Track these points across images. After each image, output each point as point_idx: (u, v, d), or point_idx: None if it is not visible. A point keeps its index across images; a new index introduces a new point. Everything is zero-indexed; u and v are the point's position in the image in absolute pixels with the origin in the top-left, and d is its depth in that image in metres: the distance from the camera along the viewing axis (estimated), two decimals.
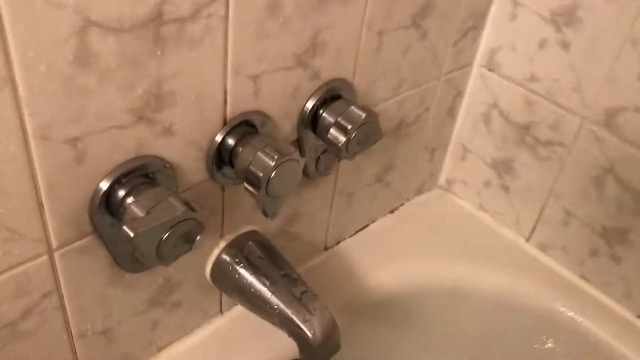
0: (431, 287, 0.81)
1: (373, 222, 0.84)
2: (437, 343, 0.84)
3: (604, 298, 0.79)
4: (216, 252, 0.62)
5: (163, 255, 0.47)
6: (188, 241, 0.49)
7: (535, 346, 0.81)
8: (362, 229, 0.83)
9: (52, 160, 0.43)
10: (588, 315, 0.77)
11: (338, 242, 0.80)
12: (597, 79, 0.69)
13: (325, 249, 0.79)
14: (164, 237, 0.46)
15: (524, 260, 0.83)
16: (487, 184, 0.86)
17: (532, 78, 0.74)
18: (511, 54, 0.75)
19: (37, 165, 0.42)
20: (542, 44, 0.72)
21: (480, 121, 0.82)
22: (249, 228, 0.64)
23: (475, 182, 0.87)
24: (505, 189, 0.84)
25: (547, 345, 0.80)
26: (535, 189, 0.80)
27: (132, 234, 0.44)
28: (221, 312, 0.69)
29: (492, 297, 0.81)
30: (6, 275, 0.45)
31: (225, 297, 0.68)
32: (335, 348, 0.60)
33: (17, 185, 0.42)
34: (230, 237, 0.63)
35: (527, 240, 0.84)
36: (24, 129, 0.40)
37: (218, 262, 0.63)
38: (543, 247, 0.83)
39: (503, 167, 0.83)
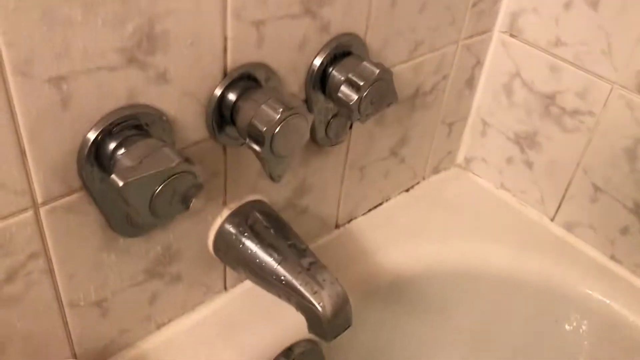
0: (448, 268, 0.76)
1: (387, 200, 0.79)
2: (452, 325, 0.79)
3: (635, 280, 0.73)
4: (219, 220, 0.59)
5: (157, 211, 0.43)
6: (185, 200, 0.45)
7: (561, 329, 0.76)
8: (375, 207, 0.78)
9: (34, 102, 0.39)
10: (618, 298, 0.72)
11: (350, 220, 0.76)
12: (628, 41, 0.64)
13: (337, 227, 0.75)
14: (157, 190, 0.43)
15: (549, 240, 0.78)
16: (509, 160, 0.81)
17: (558, 42, 0.70)
18: (534, 17, 0.70)
19: (17, 106, 0.38)
20: (568, 5, 0.67)
21: (501, 93, 0.78)
22: (254, 197, 0.61)
23: (496, 159, 0.82)
24: (529, 165, 0.79)
25: (574, 329, 0.74)
26: (561, 164, 0.75)
27: (120, 183, 0.40)
28: (225, 289, 0.65)
29: (513, 279, 0.76)
30: None
31: (229, 273, 0.64)
32: (346, 323, 0.56)
33: None
34: (233, 205, 0.59)
35: (552, 219, 0.79)
36: (1, 61, 0.36)
37: (221, 232, 0.59)
38: (569, 226, 0.78)
39: (526, 142, 0.78)
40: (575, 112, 0.71)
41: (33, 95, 0.39)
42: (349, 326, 0.57)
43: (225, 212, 0.59)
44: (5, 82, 0.37)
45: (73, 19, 0.38)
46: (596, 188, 0.73)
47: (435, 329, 0.80)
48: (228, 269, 0.64)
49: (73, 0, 0.37)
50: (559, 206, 0.78)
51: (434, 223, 0.79)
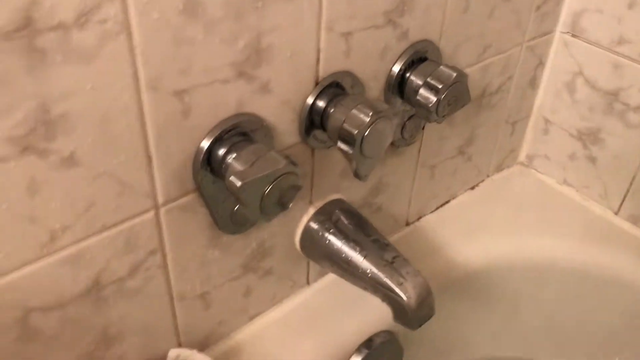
0: (516, 262, 0.79)
1: (454, 198, 0.82)
2: (521, 318, 0.82)
3: None
4: (305, 219, 0.63)
5: (265, 209, 0.48)
6: (285, 199, 0.50)
7: (627, 320, 0.77)
8: (442, 204, 0.81)
9: (161, 113, 0.44)
10: None
11: (419, 218, 0.79)
12: None
13: (407, 224, 0.78)
14: (267, 190, 0.47)
15: (614, 233, 0.80)
16: (571, 156, 0.83)
17: (621, 41, 0.72)
18: (597, 17, 0.73)
19: (147, 117, 0.43)
20: (632, 4, 0.69)
21: (563, 91, 0.80)
22: (336, 196, 0.65)
23: (558, 155, 0.85)
24: (592, 160, 0.81)
25: None
26: (625, 158, 0.77)
27: (239, 184, 0.45)
28: (308, 283, 0.69)
29: (579, 272, 0.78)
30: (116, 229, 0.46)
31: (312, 268, 0.68)
32: (430, 312, 0.59)
33: (129, 136, 0.43)
34: (318, 204, 0.63)
35: (616, 213, 0.81)
36: (137, 78, 0.41)
37: (307, 229, 0.63)
38: (634, 220, 0.79)
39: (589, 138, 0.80)
40: (639, 107, 0.73)
41: (160, 107, 0.43)
42: (432, 315, 0.60)
43: (311, 211, 0.63)
44: (139, 96, 0.42)
45: (195, 38, 0.42)
46: None
47: (505, 322, 0.82)
48: (311, 264, 0.68)
49: (197, 22, 0.42)
50: (624, 200, 0.80)
51: (500, 219, 0.81)
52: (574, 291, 0.79)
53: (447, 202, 0.82)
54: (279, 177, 0.47)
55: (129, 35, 0.39)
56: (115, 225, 0.46)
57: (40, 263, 0.43)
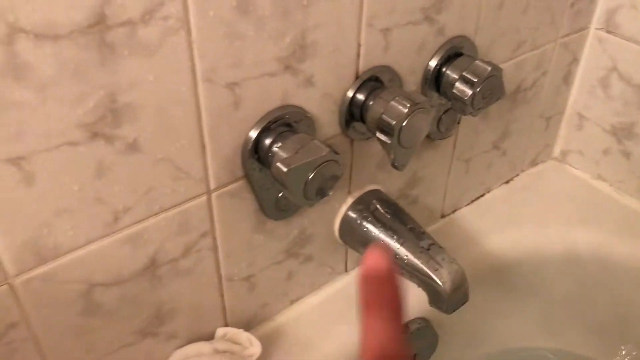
0: (551, 254, 0.80)
1: (488, 192, 0.84)
2: (554, 311, 0.83)
3: None
4: (344, 208, 0.66)
5: (308, 194, 0.51)
6: (326, 186, 0.53)
7: None
8: (477, 198, 0.83)
9: (214, 104, 0.47)
10: None
11: (454, 211, 0.81)
12: None
13: (442, 216, 0.80)
14: (310, 177, 0.50)
15: None
16: (606, 151, 0.84)
17: None
18: (632, 13, 0.74)
19: (202, 107, 0.47)
20: None
21: (597, 87, 0.81)
22: (373, 187, 0.67)
23: (592, 150, 0.86)
24: (627, 155, 0.82)
25: None
26: None
27: (285, 169, 0.48)
28: (346, 270, 0.72)
29: (614, 264, 0.79)
30: (172, 211, 0.50)
31: (350, 256, 0.71)
32: (464, 298, 0.62)
33: (186, 125, 0.47)
34: (356, 194, 0.66)
35: None
36: (194, 70, 0.45)
37: (346, 218, 0.66)
38: None
39: (624, 133, 0.81)
40: None
41: (214, 98, 0.47)
42: (466, 301, 0.62)
43: (350, 200, 0.66)
44: (196, 87, 0.46)
45: (246, 34, 0.46)
46: None
47: (537, 314, 0.84)
48: (349, 252, 0.71)
49: (248, 19, 0.45)
50: None
51: (534, 212, 0.83)
52: (608, 285, 0.80)
53: (481, 195, 0.84)
54: (321, 164, 0.50)
55: (188, 31, 0.43)
56: (171, 208, 0.50)
57: (104, 241, 0.47)
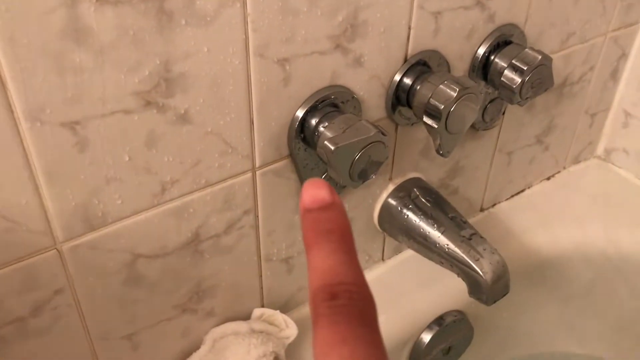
0: (593, 253, 0.79)
1: (529, 187, 0.83)
2: (595, 310, 0.81)
3: None
4: (385, 194, 0.65)
5: (353, 175, 0.51)
6: (371, 170, 0.52)
7: None
8: (518, 193, 0.82)
9: (265, 79, 0.47)
10: None
11: (494, 205, 0.80)
12: None
13: (482, 210, 0.79)
14: (357, 157, 0.50)
15: None
16: None
17: None
18: None
19: (253, 82, 0.47)
20: None
21: None
22: (415, 174, 0.67)
23: (638, 149, 0.84)
24: None
25: None
26: None
27: (332, 147, 0.48)
28: (383, 259, 0.72)
29: None
30: (218, 186, 0.50)
31: (387, 245, 0.71)
32: (505, 290, 0.61)
33: (236, 99, 0.47)
34: (398, 181, 0.65)
35: None
36: (247, 44, 0.45)
37: (386, 205, 0.65)
38: None
39: None
40: None
41: (265, 74, 0.47)
42: (507, 293, 0.61)
43: (391, 187, 0.65)
44: (248, 62, 0.46)
45: (300, 10, 0.46)
46: None
47: (576, 316, 0.82)
48: (387, 240, 0.70)
49: None
50: None
51: (575, 210, 0.81)
52: None
53: (522, 190, 0.82)
54: (369, 144, 0.50)
55: (244, 3, 0.43)
56: (217, 183, 0.50)
57: (151, 212, 0.48)
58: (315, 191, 0.24)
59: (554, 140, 0.79)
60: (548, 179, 0.85)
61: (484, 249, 0.61)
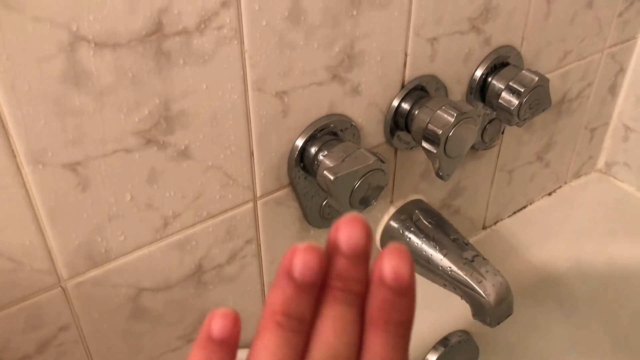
0: (596, 269, 0.79)
1: (531, 203, 0.83)
2: (597, 328, 0.81)
3: None
4: (386, 217, 0.66)
5: (353, 203, 0.51)
6: (371, 196, 0.53)
7: None
8: (520, 209, 0.82)
9: (264, 112, 0.48)
10: None
11: (496, 222, 0.80)
12: None
13: (484, 227, 0.79)
14: (356, 185, 0.50)
15: None
16: None
17: None
18: None
19: (252, 115, 0.47)
20: None
21: None
22: (415, 197, 0.67)
23: (639, 163, 0.84)
24: None
25: None
26: None
27: (332, 177, 0.48)
28: None
29: None
30: (220, 218, 0.51)
31: None
32: (509, 311, 0.61)
33: (236, 132, 0.47)
34: (399, 203, 0.66)
35: None
36: (245, 79, 0.45)
37: (388, 228, 0.66)
38: None
39: None
40: None
41: (264, 107, 0.47)
42: (510, 314, 0.61)
43: (392, 210, 0.65)
44: (246, 96, 0.46)
45: (297, 43, 0.46)
46: None
47: (581, 331, 0.82)
48: None
49: (299, 28, 0.46)
50: None
51: (578, 225, 0.81)
52: None
53: (524, 207, 0.82)
54: (368, 172, 0.50)
55: (241, 40, 0.43)
56: (219, 214, 0.50)
57: (154, 246, 0.48)
58: (398, 263, 0.21)
59: (554, 156, 0.80)
60: (550, 194, 0.85)
61: (487, 271, 0.61)
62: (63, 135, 0.39)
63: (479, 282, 0.60)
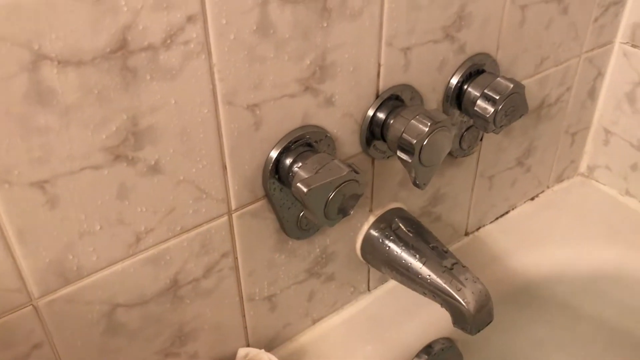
0: (579, 273, 0.79)
1: (513, 208, 0.83)
2: (581, 332, 0.81)
3: None
4: (366, 226, 0.65)
5: (329, 214, 0.51)
6: (347, 206, 0.52)
7: None
8: (502, 215, 0.82)
9: (235, 125, 0.48)
10: None
11: (478, 228, 0.80)
12: None
13: (466, 234, 0.79)
14: (331, 197, 0.50)
15: None
16: (634, 167, 0.82)
17: None
18: None
19: (223, 129, 0.47)
20: None
21: (624, 101, 0.80)
22: (395, 205, 0.67)
23: (620, 166, 0.84)
24: None
25: None
26: None
27: (305, 190, 0.48)
28: (369, 289, 0.72)
29: None
30: (194, 232, 0.50)
31: (372, 275, 0.71)
32: (489, 318, 0.61)
33: (207, 146, 0.47)
34: (378, 212, 0.66)
35: None
36: (215, 93, 0.45)
37: (368, 237, 0.66)
38: None
39: None
40: None
41: (235, 120, 0.47)
42: (490, 321, 0.61)
43: (372, 219, 0.65)
44: (216, 110, 0.46)
45: (267, 56, 0.46)
46: None
47: (564, 335, 0.82)
48: (371, 271, 0.70)
49: (269, 42, 0.45)
50: None
51: (561, 229, 0.81)
52: (636, 305, 0.78)
53: (506, 212, 0.83)
54: (342, 183, 0.50)
55: (209, 55, 0.43)
56: (192, 228, 0.50)
57: (127, 262, 0.48)
58: None
59: (535, 161, 0.80)
60: (532, 199, 0.85)
61: (466, 279, 0.61)
62: (29, 153, 0.39)
63: (459, 290, 0.60)
